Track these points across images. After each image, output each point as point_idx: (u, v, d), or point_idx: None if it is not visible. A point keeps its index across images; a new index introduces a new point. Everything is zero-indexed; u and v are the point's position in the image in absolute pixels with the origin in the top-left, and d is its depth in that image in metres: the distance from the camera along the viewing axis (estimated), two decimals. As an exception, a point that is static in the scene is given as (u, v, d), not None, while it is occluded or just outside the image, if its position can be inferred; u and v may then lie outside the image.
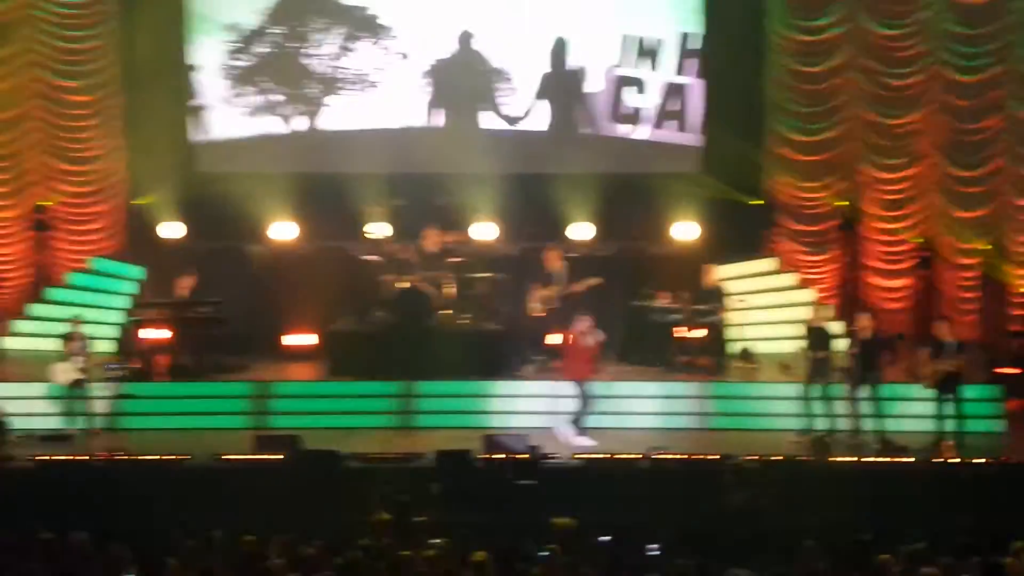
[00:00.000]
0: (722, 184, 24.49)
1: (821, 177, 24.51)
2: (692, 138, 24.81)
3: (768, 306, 23.02)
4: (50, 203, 24.54)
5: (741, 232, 24.35)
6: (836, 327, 20.71)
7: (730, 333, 22.07)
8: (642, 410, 20.56)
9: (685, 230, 23.97)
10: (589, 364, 19.70)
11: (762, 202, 24.70)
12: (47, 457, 18.08)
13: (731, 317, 21.95)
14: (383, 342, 21.13)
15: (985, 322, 23.37)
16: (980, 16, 23.32)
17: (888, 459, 18.51)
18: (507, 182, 23.76)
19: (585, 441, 19.24)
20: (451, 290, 21.72)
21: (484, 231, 23.75)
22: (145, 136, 24.50)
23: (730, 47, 24.39)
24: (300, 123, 24.73)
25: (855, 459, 18.43)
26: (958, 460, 18.41)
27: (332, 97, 24.67)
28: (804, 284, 24.17)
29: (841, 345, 19.89)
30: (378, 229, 22.90)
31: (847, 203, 24.42)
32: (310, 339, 22.75)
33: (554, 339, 21.19)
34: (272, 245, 23.87)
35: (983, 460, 18.25)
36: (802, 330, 20.14)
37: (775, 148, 24.61)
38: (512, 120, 24.70)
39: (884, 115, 24.18)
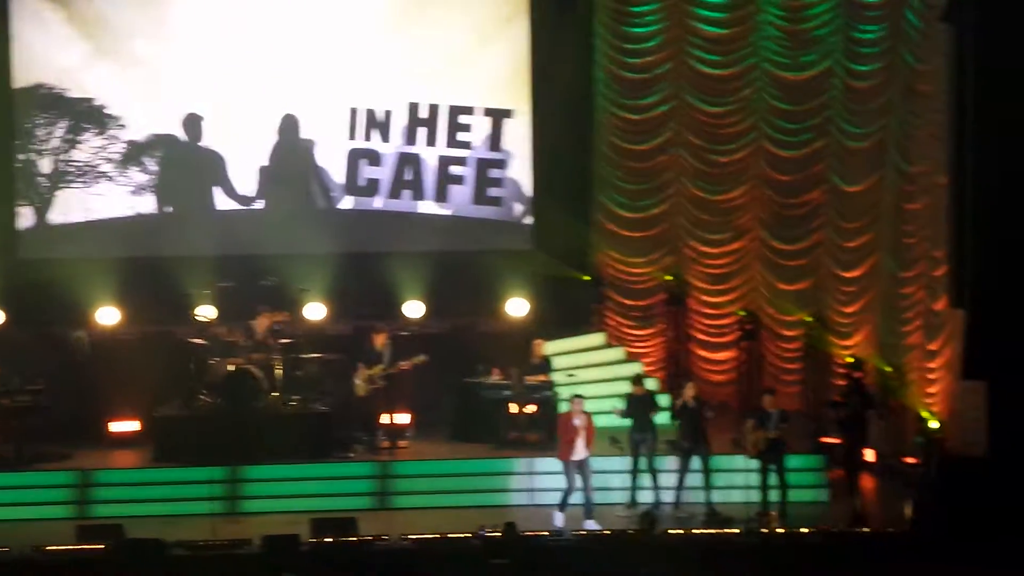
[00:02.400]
0: (552, 260, 24.66)
1: (648, 252, 24.82)
2: (520, 214, 24.98)
3: (597, 380, 23.16)
4: None
5: (570, 307, 24.59)
6: (662, 399, 20.92)
7: (560, 408, 22.14)
8: (473, 488, 20.55)
9: (516, 306, 24.06)
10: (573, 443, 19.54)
11: (590, 277, 24.91)
12: None
13: (561, 392, 22.07)
14: (210, 426, 20.93)
15: (808, 392, 23.76)
16: (801, 92, 23.78)
17: (715, 530, 18.69)
18: (338, 262, 23.74)
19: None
20: (280, 372, 21.56)
21: (314, 311, 23.61)
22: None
23: (558, 124, 24.61)
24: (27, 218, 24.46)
25: (682, 531, 18.55)
26: (783, 530, 18.65)
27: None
28: (632, 358, 24.35)
29: (666, 417, 20.11)
30: (205, 311, 22.68)
31: (673, 277, 24.74)
32: (135, 425, 22.35)
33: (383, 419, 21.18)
34: (96, 330, 23.46)
35: (807, 530, 18.49)
36: (627, 403, 20.32)
37: (603, 224, 24.87)
38: (243, 200, 24.62)
39: (709, 191, 24.55)
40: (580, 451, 19.35)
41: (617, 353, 24.48)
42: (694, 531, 18.71)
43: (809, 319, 23.76)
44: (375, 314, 23.25)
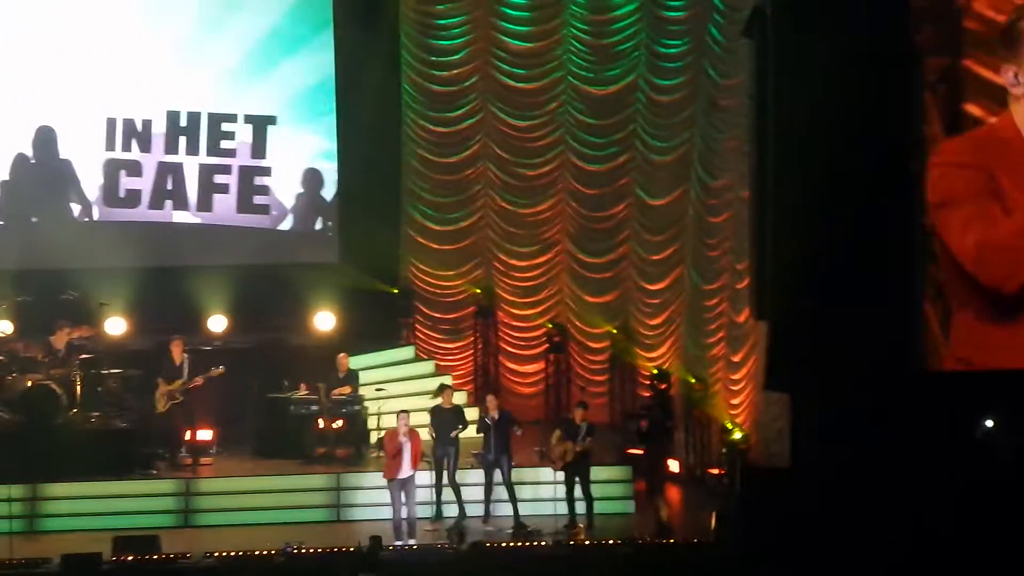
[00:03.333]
0: (360, 273, 24.49)
1: (456, 265, 24.86)
2: (329, 227, 24.75)
3: (406, 394, 23.03)
4: None
5: (379, 320, 24.46)
6: (468, 413, 20.90)
7: (369, 423, 22.02)
8: (279, 504, 20.30)
9: (323, 320, 23.83)
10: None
11: (399, 290, 24.81)
12: None
13: (369, 406, 21.94)
14: (7, 443, 20.36)
15: (615, 404, 23.96)
16: (607, 106, 23.99)
17: (522, 543, 18.70)
18: (140, 275, 23.26)
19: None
20: (80, 388, 21.08)
21: (114, 326, 23.09)
22: None
23: (365, 135, 24.45)
24: None
25: (490, 544, 18.53)
26: (590, 542, 18.74)
27: None
28: (441, 371, 24.30)
29: (471, 430, 20.10)
30: (1, 326, 22.10)
31: (482, 290, 24.78)
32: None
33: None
34: None
35: (613, 541, 18.60)
36: (434, 414, 20.26)
37: (411, 236, 24.81)
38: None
39: (516, 204, 24.67)
40: (406, 469, 19.18)
41: (426, 367, 24.39)
42: (502, 544, 18.71)
43: (615, 331, 23.97)
44: (177, 328, 22.79)
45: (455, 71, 24.39)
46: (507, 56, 24.26)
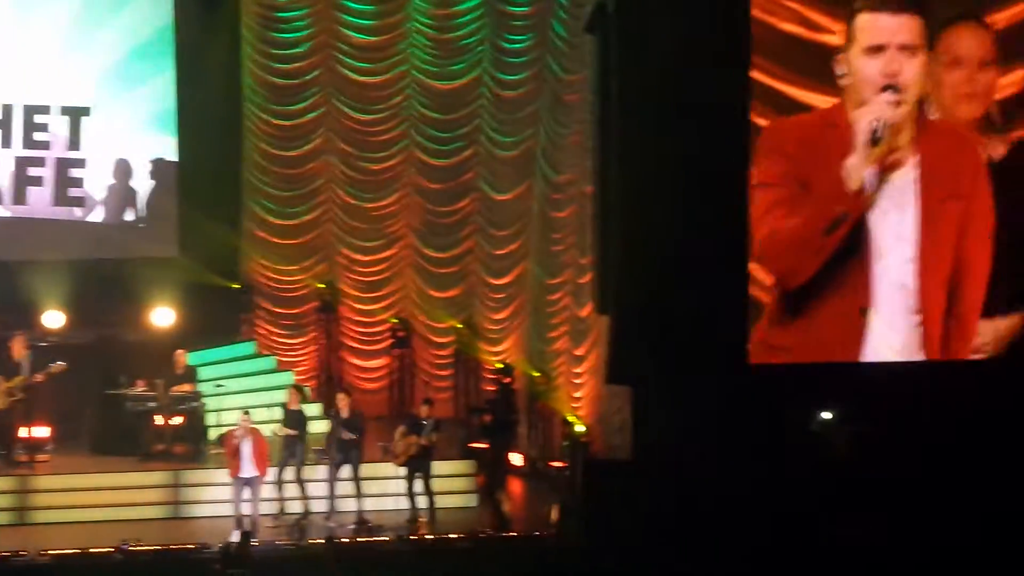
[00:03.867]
0: (199, 268, 24.17)
1: (299, 259, 24.64)
2: (141, 218, 24.26)
3: (247, 390, 22.80)
4: None
5: (219, 316, 24.15)
6: (313, 409, 20.75)
7: (208, 419, 21.78)
8: (116, 501, 19.97)
9: (162, 315, 23.47)
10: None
11: (240, 285, 24.55)
12: None
13: (209, 403, 21.71)
14: None
15: (460, 398, 23.96)
16: (451, 101, 23.96)
17: (364, 539, 18.63)
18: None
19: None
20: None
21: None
22: None
23: (206, 129, 24.12)
24: None
25: (332, 540, 18.42)
26: (432, 536, 18.72)
27: None
28: (283, 367, 24.09)
29: (318, 426, 19.96)
30: None
31: (325, 285, 24.60)
32: None
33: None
34: None
35: (456, 535, 18.59)
36: (279, 413, 20.10)
37: (253, 231, 24.54)
38: None
39: (360, 198, 24.51)
40: (247, 469, 18.96)
41: (268, 362, 24.16)
42: (344, 540, 18.61)
43: (460, 326, 23.96)
44: (15, 324, 22.35)
45: (297, 64, 24.14)
46: (350, 49, 24.10)
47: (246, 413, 19.45)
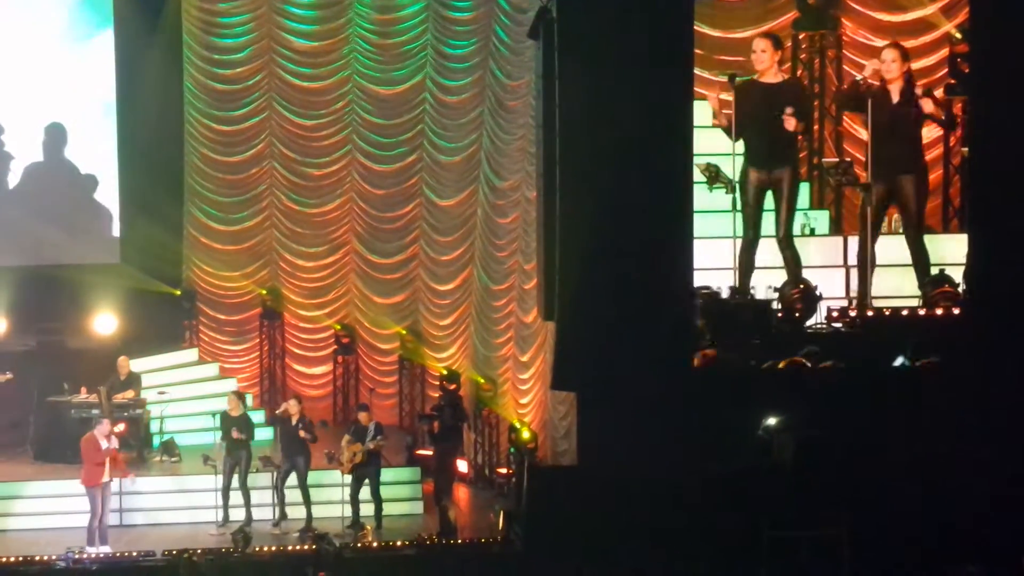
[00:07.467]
0: (141, 274, 24.04)
1: (242, 265, 24.57)
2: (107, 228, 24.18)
3: (189, 398, 22.72)
4: None
5: (161, 323, 24.06)
6: (256, 416, 20.68)
7: (151, 427, 21.67)
8: (60, 509, 19.85)
9: (104, 322, 23.35)
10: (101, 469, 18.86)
11: (181, 292, 24.44)
12: None
13: (152, 410, 21.61)
14: None
15: (404, 405, 23.92)
16: (394, 106, 23.91)
17: (310, 547, 18.55)
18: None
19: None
20: None
21: None
22: None
23: (147, 134, 24.01)
24: None
25: (277, 549, 18.37)
26: (377, 543, 18.69)
27: None
28: (226, 374, 23.99)
29: (262, 434, 19.89)
30: None
31: (268, 291, 24.52)
32: None
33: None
34: None
35: (401, 542, 18.58)
36: (221, 421, 20.02)
37: (195, 237, 24.43)
38: None
39: (303, 204, 24.45)
40: (106, 475, 18.91)
41: (211, 369, 24.06)
42: (289, 548, 18.55)
43: (405, 332, 23.92)
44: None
45: (238, 69, 24.09)
46: (292, 55, 24.04)
47: (107, 420, 19.43)
